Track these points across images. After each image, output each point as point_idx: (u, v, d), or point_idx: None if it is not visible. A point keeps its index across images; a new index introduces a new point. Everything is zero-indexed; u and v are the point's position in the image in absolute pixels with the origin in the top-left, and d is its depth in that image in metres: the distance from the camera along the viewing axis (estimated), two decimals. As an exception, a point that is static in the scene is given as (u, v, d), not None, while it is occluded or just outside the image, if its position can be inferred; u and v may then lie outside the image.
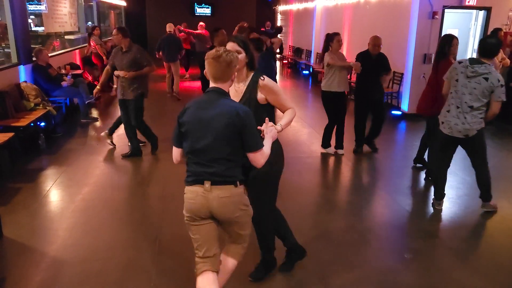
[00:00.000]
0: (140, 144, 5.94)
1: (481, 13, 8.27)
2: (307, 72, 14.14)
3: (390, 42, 7.70)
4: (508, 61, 7.43)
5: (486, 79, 3.74)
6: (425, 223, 4.11)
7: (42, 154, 5.80)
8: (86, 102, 7.61)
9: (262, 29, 13.97)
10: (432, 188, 4.74)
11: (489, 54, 3.84)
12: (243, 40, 2.67)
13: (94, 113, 8.25)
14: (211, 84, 2.34)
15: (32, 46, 7.23)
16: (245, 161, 2.35)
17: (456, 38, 4.84)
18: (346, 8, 11.58)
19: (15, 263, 3.27)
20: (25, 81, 6.59)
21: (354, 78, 10.13)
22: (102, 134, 6.05)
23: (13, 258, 3.34)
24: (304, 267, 3.25)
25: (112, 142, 6.03)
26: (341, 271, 3.22)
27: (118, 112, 7.49)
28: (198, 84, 10.51)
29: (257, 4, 20.15)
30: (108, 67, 5.65)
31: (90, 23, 13.39)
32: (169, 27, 9.93)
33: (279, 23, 19.02)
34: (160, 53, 9.53)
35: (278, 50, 12.35)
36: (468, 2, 7.79)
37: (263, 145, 2.29)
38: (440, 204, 4.34)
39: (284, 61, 17.32)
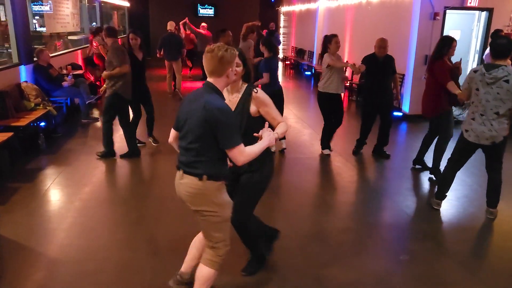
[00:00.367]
0: (139, 145, 5.96)
1: (483, 14, 8.24)
2: (309, 73, 14.12)
3: (392, 43, 7.61)
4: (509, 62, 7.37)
5: (507, 81, 3.67)
6: (423, 224, 4.09)
7: (41, 154, 5.81)
8: (86, 102, 7.64)
9: (264, 31, 13.91)
10: (432, 189, 4.72)
11: (502, 55, 3.78)
12: (242, 54, 2.75)
13: (95, 113, 8.27)
14: (207, 79, 2.43)
15: (36, 46, 7.26)
16: (235, 167, 2.41)
17: (456, 41, 4.82)
18: (348, 9, 11.55)
19: (11, 262, 3.27)
20: (26, 81, 6.61)
21: (355, 79, 10.18)
22: (149, 139, 6.22)
23: (9, 258, 3.34)
24: (299, 270, 3.23)
25: (155, 139, 6.19)
26: (336, 273, 3.21)
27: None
28: (199, 85, 10.48)
29: (260, 5, 20.14)
30: None
31: (94, 23, 13.45)
32: (170, 25, 9.88)
33: (282, 24, 19.00)
34: (162, 52, 9.52)
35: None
36: (470, 3, 7.75)
37: (239, 143, 2.27)
38: (439, 205, 4.31)
39: (286, 62, 17.32)
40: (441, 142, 5.08)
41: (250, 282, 3.09)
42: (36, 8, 9.48)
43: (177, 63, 9.71)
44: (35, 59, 7.04)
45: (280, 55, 17.17)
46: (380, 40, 5.63)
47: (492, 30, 7.86)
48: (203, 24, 11.33)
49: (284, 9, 18.85)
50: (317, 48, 13.89)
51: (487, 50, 7.36)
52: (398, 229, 4.02)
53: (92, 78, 9.38)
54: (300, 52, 16.18)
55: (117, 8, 17.55)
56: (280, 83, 5.91)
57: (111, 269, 3.19)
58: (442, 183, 4.34)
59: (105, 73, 5.39)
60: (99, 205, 4.32)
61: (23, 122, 5.65)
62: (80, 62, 10.18)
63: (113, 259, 3.31)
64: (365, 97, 6.04)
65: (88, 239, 3.62)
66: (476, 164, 4.99)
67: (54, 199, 4.49)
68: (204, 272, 2.52)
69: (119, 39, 6.73)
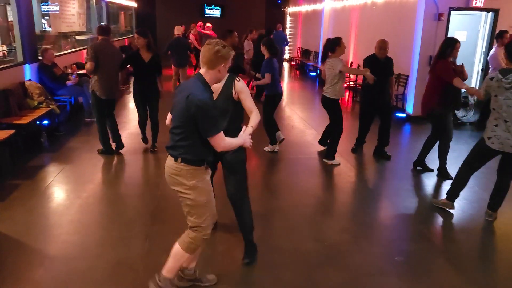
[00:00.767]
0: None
1: (490, 15, 8.16)
2: (314, 74, 14.09)
3: (396, 44, 7.62)
4: None
5: None
6: (420, 225, 4.05)
7: (43, 152, 5.87)
8: (90, 101, 7.67)
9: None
10: (432, 189, 4.68)
11: None
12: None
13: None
14: (200, 70, 2.58)
15: (45, 46, 7.33)
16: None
17: (459, 42, 4.80)
18: (353, 10, 11.52)
19: (6, 258, 3.30)
20: (30, 80, 6.68)
21: (360, 79, 10.13)
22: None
23: (5, 254, 3.37)
24: (293, 269, 3.22)
25: (153, 146, 6.02)
26: (330, 274, 3.19)
27: (119, 112, 7.59)
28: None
29: (266, 5, 20.14)
30: None
31: (103, 23, 13.56)
32: (177, 30, 9.56)
33: (288, 25, 18.98)
34: (169, 53, 9.41)
35: None
36: (475, 3, 7.67)
37: (219, 131, 2.47)
38: (453, 206, 4.27)
39: (292, 63, 17.29)
40: (443, 145, 5.07)
41: (245, 281, 3.10)
42: (45, 8, 9.59)
43: (184, 70, 9.63)
44: (40, 58, 7.12)
45: (286, 56, 17.14)
46: (381, 41, 5.60)
47: (498, 31, 7.78)
48: (208, 24, 11.38)
49: (290, 9, 18.83)
50: (322, 49, 13.84)
51: (492, 51, 7.29)
52: (395, 230, 4.00)
53: (97, 77, 9.43)
54: (305, 52, 16.15)
55: (125, 8, 17.67)
56: (281, 87, 5.91)
57: (104, 267, 3.20)
58: (457, 185, 4.24)
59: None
60: (97, 203, 4.35)
61: (25, 120, 5.71)
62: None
63: (107, 257, 3.33)
64: (364, 96, 6.01)
65: (83, 236, 3.65)
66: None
67: (54, 196, 4.52)
68: (174, 248, 2.72)
69: (126, 39, 6.79)
